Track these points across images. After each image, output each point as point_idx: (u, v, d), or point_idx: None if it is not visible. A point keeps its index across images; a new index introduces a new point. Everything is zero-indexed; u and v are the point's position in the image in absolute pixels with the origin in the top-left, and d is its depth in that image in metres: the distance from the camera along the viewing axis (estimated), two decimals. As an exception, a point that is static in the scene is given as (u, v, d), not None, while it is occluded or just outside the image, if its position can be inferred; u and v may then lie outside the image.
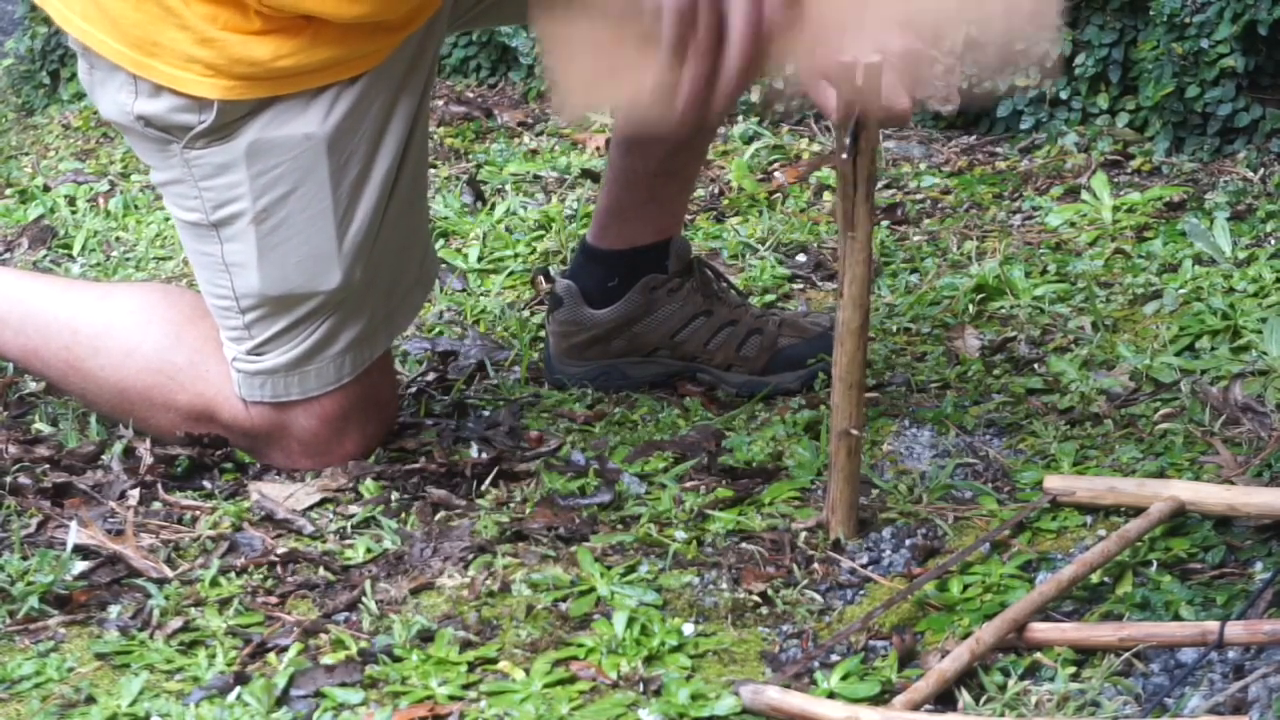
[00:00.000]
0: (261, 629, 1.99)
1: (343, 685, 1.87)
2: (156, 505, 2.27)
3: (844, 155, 2.00)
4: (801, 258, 3.07)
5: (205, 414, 2.35)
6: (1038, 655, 1.85)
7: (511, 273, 3.08)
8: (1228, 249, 2.88)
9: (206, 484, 2.33)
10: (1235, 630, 1.81)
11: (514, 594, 2.04)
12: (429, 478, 2.30)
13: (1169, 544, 2.05)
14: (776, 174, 3.50)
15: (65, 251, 3.34)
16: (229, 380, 2.34)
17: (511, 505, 2.24)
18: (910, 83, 2.03)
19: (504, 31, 4.14)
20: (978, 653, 1.82)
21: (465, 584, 2.05)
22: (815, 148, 3.63)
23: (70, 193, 3.67)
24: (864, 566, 2.08)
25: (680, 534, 2.15)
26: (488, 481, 2.29)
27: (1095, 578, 1.99)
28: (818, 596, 2.02)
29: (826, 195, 3.37)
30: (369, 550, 2.14)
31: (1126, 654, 1.83)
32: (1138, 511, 2.08)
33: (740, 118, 3.75)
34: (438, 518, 2.22)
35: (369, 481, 2.30)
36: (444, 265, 3.09)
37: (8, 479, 2.28)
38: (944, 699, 1.79)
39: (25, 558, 2.10)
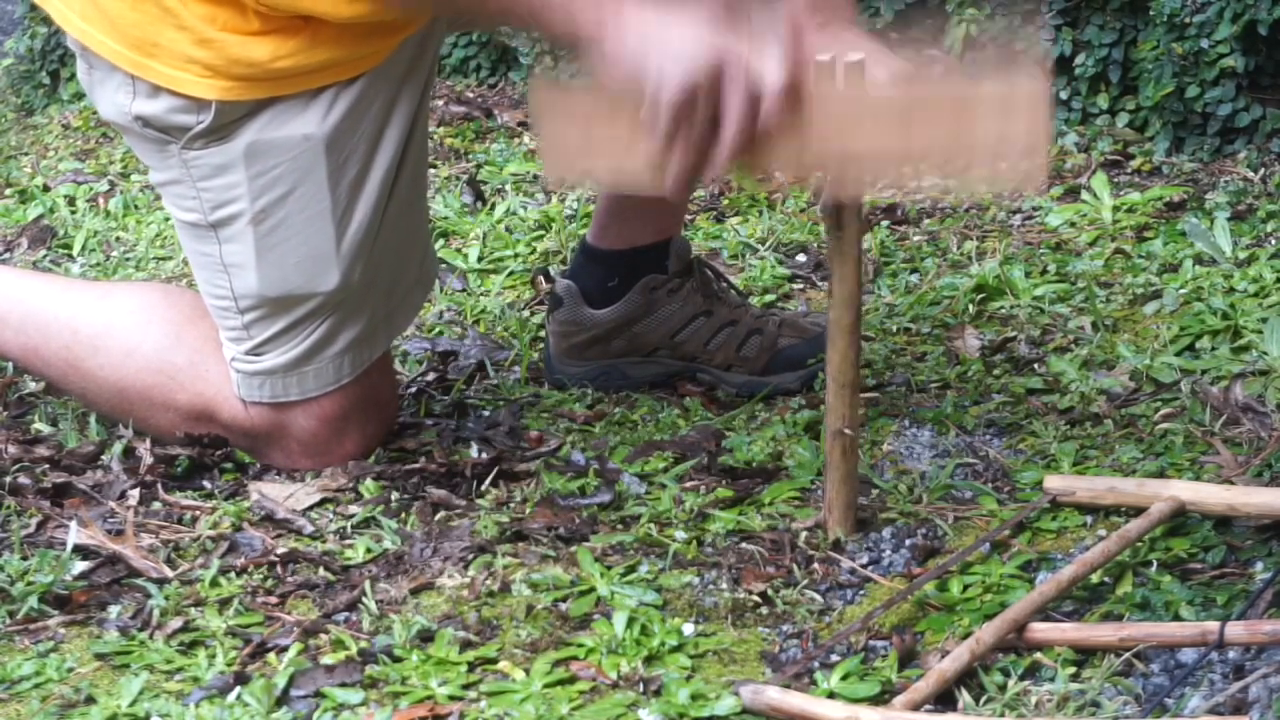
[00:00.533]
0: (261, 629, 1.99)
1: (343, 685, 1.87)
2: (156, 505, 2.27)
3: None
4: (801, 258, 3.07)
5: (205, 414, 2.35)
6: (1038, 655, 1.85)
7: (511, 273, 3.08)
8: (1228, 249, 2.88)
9: (206, 484, 2.33)
10: (1235, 630, 1.81)
11: (514, 594, 2.04)
12: (429, 478, 2.30)
13: (1169, 544, 2.05)
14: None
15: (65, 251, 3.34)
16: (229, 380, 2.34)
17: (511, 505, 2.24)
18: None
19: (504, 31, 4.14)
20: (978, 653, 1.82)
21: (465, 584, 2.05)
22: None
23: (70, 193, 3.67)
24: (864, 566, 2.08)
25: (680, 534, 2.15)
26: (488, 481, 2.29)
27: (1095, 578, 1.99)
28: (818, 596, 2.02)
29: (826, 195, 3.36)
30: (369, 550, 2.14)
31: (1126, 654, 1.83)
32: (1138, 511, 2.08)
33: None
34: (438, 518, 2.22)
35: (369, 481, 2.30)
36: (444, 265, 3.09)
37: (8, 479, 2.28)
38: (944, 699, 1.79)
39: (25, 558, 2.10)
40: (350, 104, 2.24)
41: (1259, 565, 2.00)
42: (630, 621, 1.94)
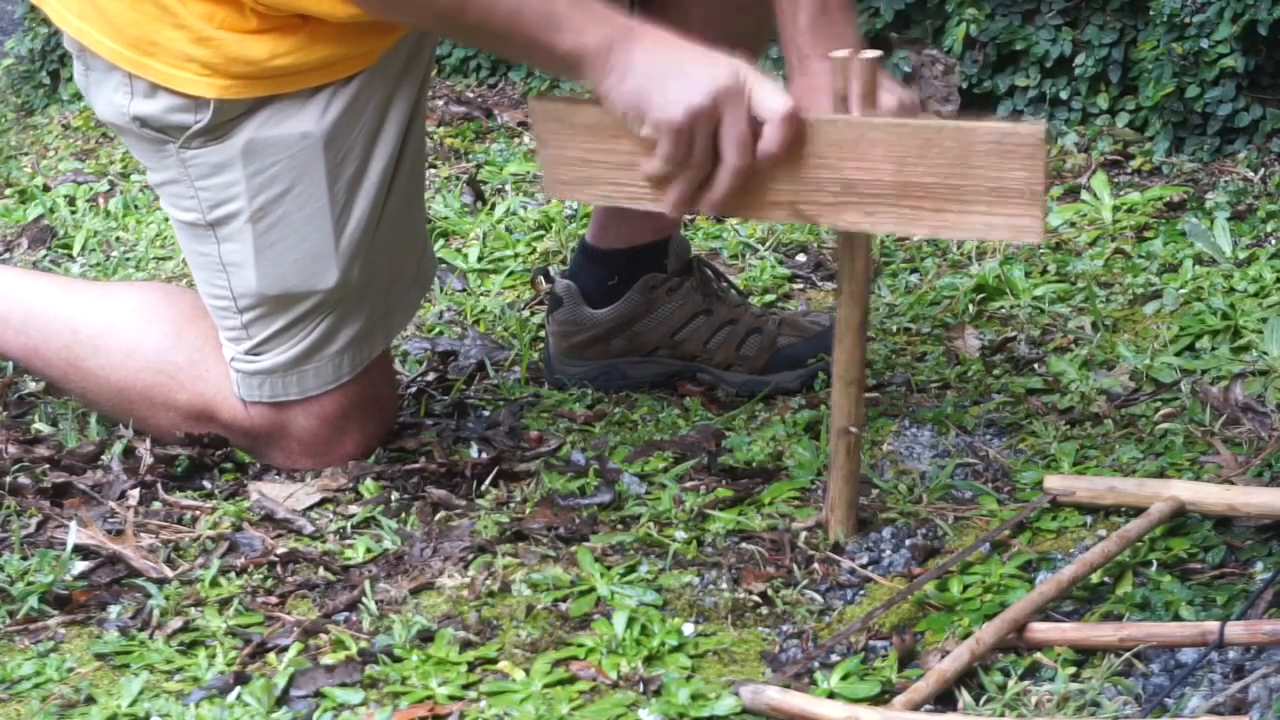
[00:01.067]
0: (261, 629, 1.99)
1: (343, 685, 1.87)
2: (156, 505, 2.27)
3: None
4: (801, 258, 3.07)
5: (205, 413, 2.35)
6: (1038, 655, 1.85)
7: (511, 273, 3.08)
8: (1228, 249, 2.88)
9: (206, 484, 2.33)
10: (1235, 630, 1.81)
11: (514, 594, 2.04)
12: (429, 478, 2.30)
13: (1169, 544, 2.05)
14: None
15: (65, 251, 3.34)
16: (229, 380, 2.34)
17: (511, 505, 2.24)
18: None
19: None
20: (978, 653, 1.82)
21: (465, 584, 2.05)
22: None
23: (70, 193, 3.67)
24: (864, 566, 2.08)
25: (680, 534, 2.15)
26: (488, 481, 2.29)
27: (1095, 578, 1.99)
28: (818, 596, 2.02)
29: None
30: (369, 550, 2.14)
31: (1126, 654, 1.83)
32: (1138, 511, 2.08)
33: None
34: (438, 518, 2.22)
35: (369, 481, 2.30)
36: (444, 265, 3.10)
37: (8, 479, 2.28)
38: (944, 699, 1.79)
39: (25, 558, 2.10)
40: (347, 102, 2.24)
41: (1259, 565, 2.00)
42: (630, 621, 1.94)
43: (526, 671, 1.88)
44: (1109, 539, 2.00)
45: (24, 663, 1.93)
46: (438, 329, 2.84)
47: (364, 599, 2.03)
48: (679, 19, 2.35)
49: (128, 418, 2.40)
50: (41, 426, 2.46)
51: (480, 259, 3.14)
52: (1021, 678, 1.82)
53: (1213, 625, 1.82)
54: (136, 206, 3.56)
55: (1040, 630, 1.87)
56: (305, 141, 2.23)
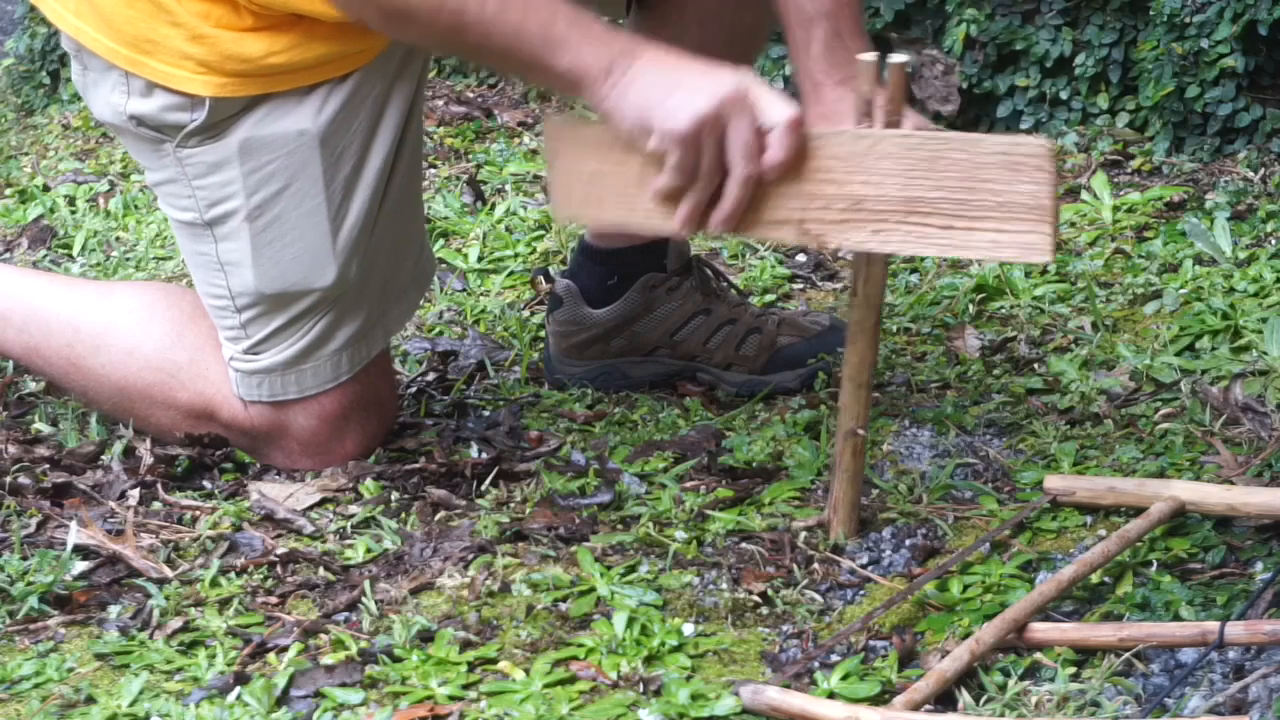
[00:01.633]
0: (261, 629, 1.99)
1: (343, 685, 1.87)
2: (156, 505, 2.27)
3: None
4: (801, 258, 3.07)
5: (205, 412, 2.35)
6: (1038, 655, 1.85)
7: (511, 273, 3.08)
8: (1228, 249, 2.88)
9: (206, 484, 2.33)
10: (1235, 630, 1.81)
11: (514, 594, 2.04)
12: (429, 478, 2.30)
13: (1169, 544, 2.05)
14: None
15: (65, 251, 3.34)
16: (229, 379, 2.34)
17: (511, 505, 2.24)
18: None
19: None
20: (978, 653, 1.82)
21: (465, 584, 2.05)
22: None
23: (70, 193, 3.67)
24: (864, 566, 2.08)
25: (680, 534, 2.15)
26: (488, 481, 2.29)
27: (1095, 578, 1.99)
28: (818, 596, 2.02)
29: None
30: (369, 550, 2.14)
31: (1126, 654, 1.83)
32: (1138, 511, 2.08)
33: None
34: (438, 518, 2.22)
35: (369, 481, 2.30)
36: (444, 265, 3.10)
37: (8, 479, 2.28)
38: (944, 699, 1.79)
39: (25, 558, 2.10)
40: (344, 100, 2.24)
41: (1259, 565, 2.00)
42: (630, 621, 1.94)
43: (526, 671, 1.88)
44: (1109, 539, 2.00)
45: (24, 663, 1.93)
46: (438, 329, 2.84)
47: (364, 599, 2.03)
48: (677, 18, 2.36)
49: (128, 417, 2.40)
50: (41, 426, 2.46)
51: (480, 259, 3.14)
52: (1021, 678, 1.82)
53: (1213, 625, 1.82)
54: (136, 206, 3.56)
55: (1040, 630, 1.87)
56: (301, 139, 2.23)
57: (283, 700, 1.86)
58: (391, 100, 2.28)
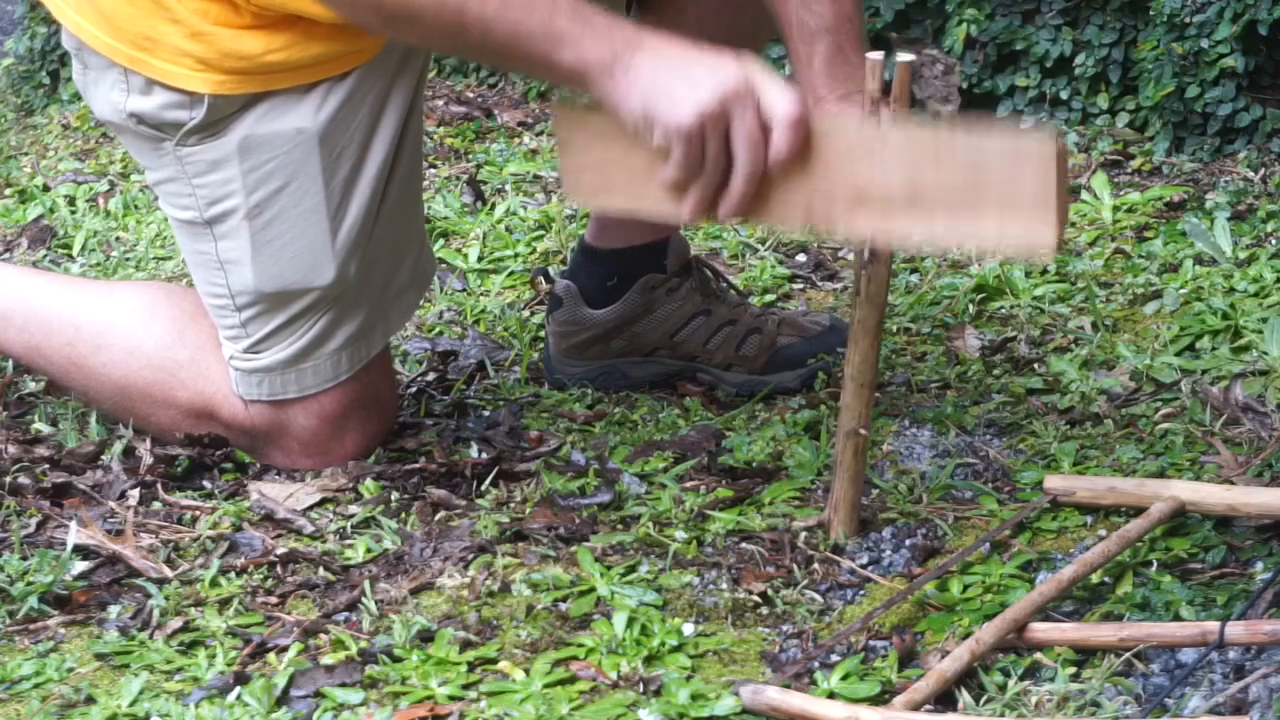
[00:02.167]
0: (261, 629, 1.99)
1: (343, 685, 1.87)
2: (156, 505, 2.27)
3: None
4: (801, 258, 3.07)
5: (206, 411, 2.35)
6: (1038, 655, 1.85)
7: (511, 273, 3.08)
8: (1228, 249, 2.88)
9: (206, 484, 2.33)
10: (1235, 630, 1.81)
11: (514, 594, 2.04)
12: (429, 478, 2.30)
13: (1169, 544, 2.05)
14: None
15: (65, 251, 3.34)
16: (230, 378, 2.34)
17: (511, 505, 2.24)
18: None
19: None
20: (978, 653, 1.82)
21: (465, 584, 2.05)
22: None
23: (70, 193, 3.67)
24: (864, 566, 2.08)
25: (680, 534, 2.15)
26: (488, 481, 2.29)
27: (1095, 578, 1.99)
28: (818, 596, 2.02)
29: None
30: (369, 550, 2.14)
31: (1127, 654, 1.83)
32: (1138, 511, 2.08)
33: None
34: (438, 518, 2.22)
35: (369, 481, 2.30)
36: (444, 265, 3.09)
37: (8, 479, 2.28)
38: (944, 699, 1.79)
39: (25, 558, 2.10)
40: (343, 99, 2.24)
41: (1259, 565, 2.00)
42: (630, 621, 1.94)
43: (526, 671, 1.88)
44: (1109, 539, 2.00)
45: (24, 663, 1.93)
46: (438, 329, 2.84)
47: (364, 599, 2.03)
48: (676, 18, 2.35)
49: (128, 416, 2.40)
50: (41, 426, 2.46)
51: (480, 259, 3.14)
52: (1021, 678, 1.82)
53: (1213, 625, 1.82)
54: (136, 206, 3.56)
55: (1040, 630, 1.87)
56: (300, 137, 2.23)
57: (283, 700, 1.86)
58: (391, 99, 2.28)
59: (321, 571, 2.11)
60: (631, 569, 2.07)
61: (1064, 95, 3.48)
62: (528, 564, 2.10)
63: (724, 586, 2.03)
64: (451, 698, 1.85)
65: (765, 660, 1.91)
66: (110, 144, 4.03)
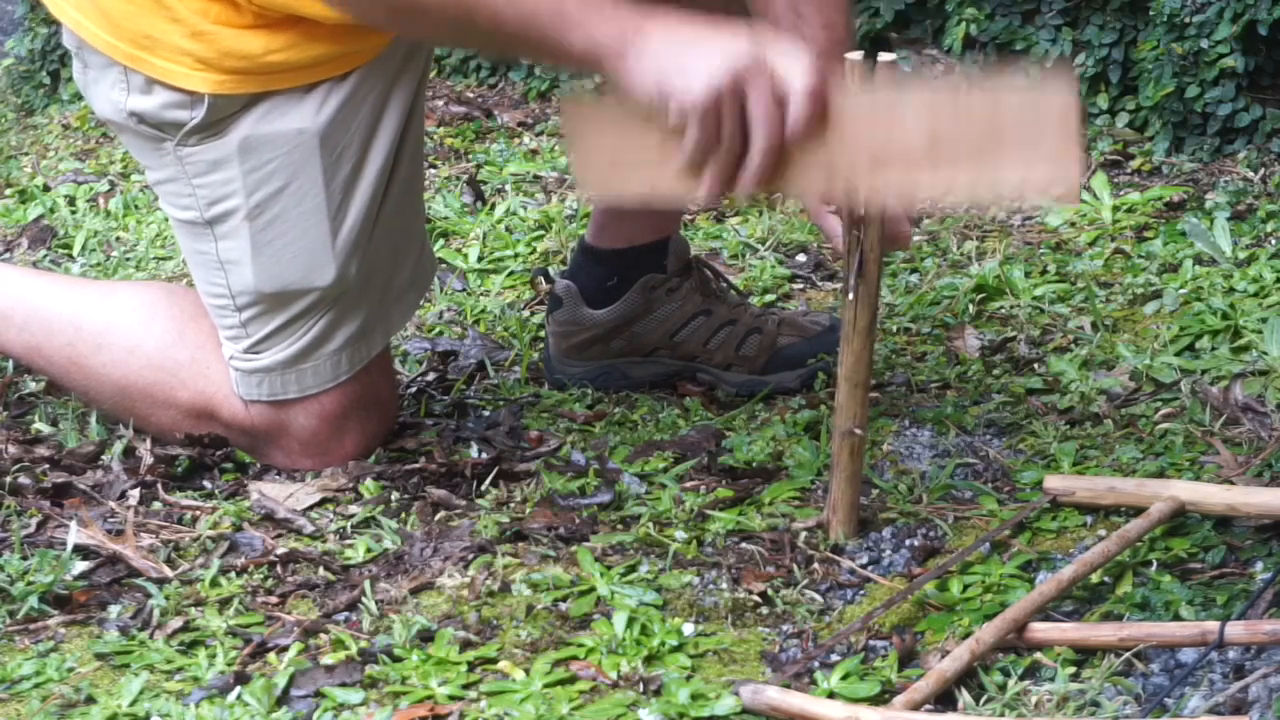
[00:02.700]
0: (261, 629, 1.99)
1: (343, 685, 1.87)
2: (156, 505, 2.27)
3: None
4: (801, 258, 3.07)
5: (206, 411, 2.35)
6: (1038, 655, 1.85)
7: (511, 273, 3.08)
8: (1228, 249, 2.88)
9: (206, 484, 2.33)
10: (1235, 630, 1.81)
11: (514, 594, 2.04)
12: (429, 478, 2.30)
13: (1169, 544, 2.05)
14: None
15: (65, 251, 3.34)
16: (230, 378, 2.34)
17: (511, 505, 2.24)
18: (911, 210, 2.18)
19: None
20: (978, 653, 1.82)
21: (465, 584, 2.05)
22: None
23: (70, 193, 3.67)
24: (864, 566, 2.08)
25: (680, 534, 2.15)
26: (488, 481, 2.29)
27: (1095, 578, 1.99)
28: (818, 596, 2.02)
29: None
30: (369, 550, 2.14)
31: (1126, 654, 1.83)
32: (1138, 511, 2.08)
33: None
34: (438, 518, 2.22)
35: (369, 481, 2.30)
36: (444, 265, 3.10)
37: (8, 479, 2.28)
38: (944, 699, 1.79)
39: (25, 558, 2.10)
40: (344, 98, 2.24)
41: (1259, 565, 2.00)
42: (630, 621, 1.94)
43: (526, 671, 1.88)
44: (1109, 539, 2.00)
45: (24, 663, 1.93)
46: (438, 329, 2.84)
47: (364, 599, 2.03)
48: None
49: (129, 416, 2.40)
50: (41, 426, 2.46)
51: (480, 259, 3.14)
52: (1021, 678, 1.82)
53: (1213, 625, 1.82)
54: (136, 206, 3.56)
55: (1040, 630, 1.87)
56: (301, 138, 2.23)
57: (283, 700, 1.86)
58: (392, 100, 2.27)
59: (321, 571, 2.11)
60: (631, 569, 2.07)
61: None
62: (528, 564, 2.10)
63: (724, 586, 2.03)
64: (451, 698, 1.85)
65: (765, 660, 1.91)
66: (110, 144, 4.03)
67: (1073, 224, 3.12)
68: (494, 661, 1.91)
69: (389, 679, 1.88)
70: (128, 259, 3.27)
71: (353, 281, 2.30)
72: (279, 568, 2.12)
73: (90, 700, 1.88)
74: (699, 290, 2.57)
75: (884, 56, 1.97)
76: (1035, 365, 2.57)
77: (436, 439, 2.40)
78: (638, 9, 2.03)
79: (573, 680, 1.87)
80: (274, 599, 2.06)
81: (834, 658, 1.89)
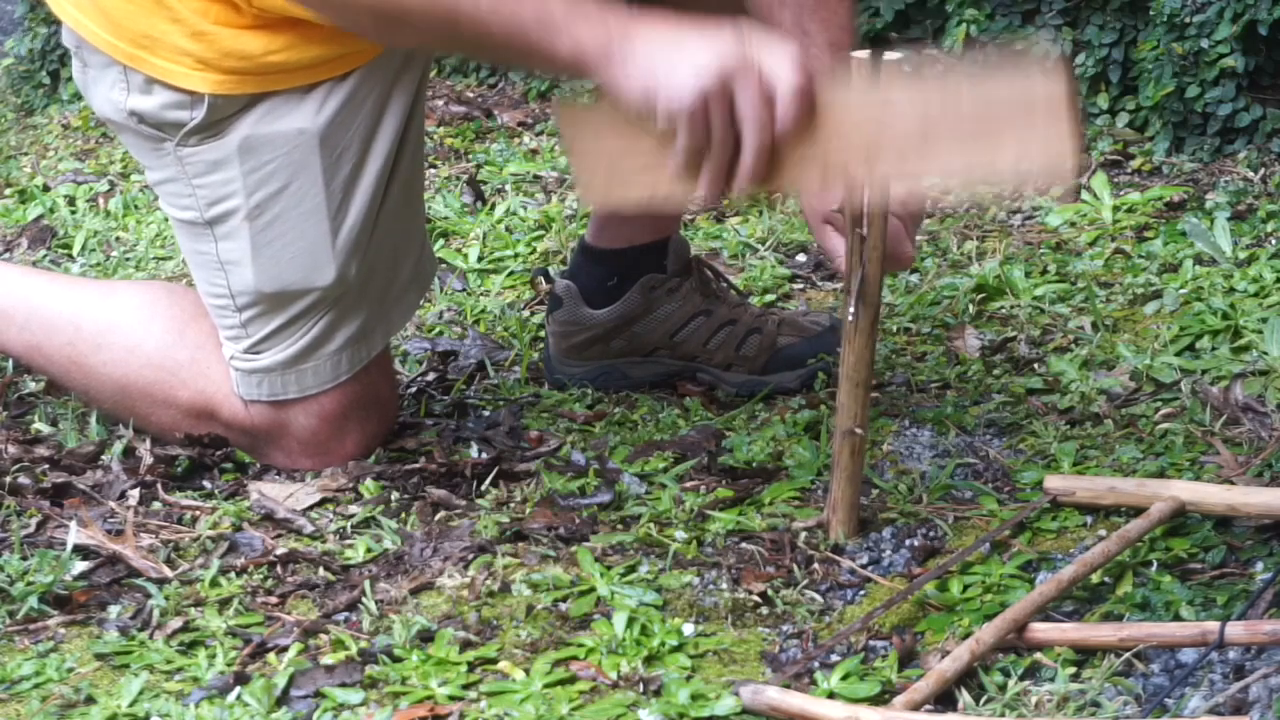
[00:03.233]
0: (261, 629, 1.99)
1: (343, 685, 1.87)
2: (156, 505, 2.27)
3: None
4: (801, 258, 3.07)
5: (206, 411, 2.35)
6: (1038, 655, 1.85)
7: (511, 273, 3.08)
8: (1228, 249, 2.88)
9: (206, 484, 2.33)
10: (1235, 630, 1.81)
11: (514, 594, 2.04)
12: (429, 478, 2.30)
13: (1169, 544, 2.05)
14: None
15: (65, 251, 3.34)
16: (230, 378, 2.34)
17: (511, 505, 2.24)
18: (914, 230, 2.16)
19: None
20: (978, 653, 1.82)
21: (465, 584, 2.05)
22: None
23: (70, 193, 3.67)
24: (864, 566, 2.08)
25: (680, 534, 2.15)
26: (488, 481, 2.29)
27: (1095, 578, 1.99)
28: (818, 596, 2.02)
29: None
30: (369, 550, 2.14)
31: (1127, 654, 1.83)
32: (1138, 511, 2.08)
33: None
34: (438, 518, 2.22)
35: (369, 481, 2.30)
36: (444, 265, 3.10)
37: (8, 479, 2.28)
38: (944, 699, 1.79)
39: (25, 558, 2.10)
40: (344, 99, 2.24)
41: (1259, 565, 2.00)
42: (630, 621, 1.94)
43: (526, 671, 1.88)
44: (1109, 539, 2.00)
45: (24, 663, 1.93)
46: (438, 329, 2.84)
47: (364, 599, 2.03)
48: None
49: (129, 415, 2.40)
50: (41, 426, 2.46)
51: (480, 259, 3.14)
52: (1021, 678, 1.82)
53: (1213, 625, 1.82)
54: (136, 206, 3.57)
55: (1040, 630, 1.87)
56: (301, 138, 2.23)
57: (283, 700, 1.86)
58: (392, 100, 2.27)
59: (321, 571, 2.11)
60: (631, 569, 2.07)
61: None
62: (528, 564, 2.10)
63: (724, 586, 2.03)
64: (451, 698, 1.85)
65: (765, 660, 1.91)
66: (110, 144, 4.03)
67: (1073, 224, 3.12)
68: (494, 662, 1.91)
69: (389, 679, 1.88)
70: (127, 259, 3.27)
71: (353, 282, 2.30)
72: (279, 568, 2.12)
73: (90, 700, 1.88)
74: (699, 290, 2.57)
75: (889, 55, 1.97)
76: (1035, 365, 2.57)
77: (436, 439, 2.40)
78: (625, 13, 2.02)
79: (573, 680, 1.87)
80: (274, 599, 2.06)
81: (834, 658, 1.89)
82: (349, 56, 2.23)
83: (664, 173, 2.03)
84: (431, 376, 2.61)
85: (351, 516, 2.23)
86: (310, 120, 2.23)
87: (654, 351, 2.58)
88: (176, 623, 2.00)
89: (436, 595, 2.05)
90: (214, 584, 2.08)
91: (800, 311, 2.67)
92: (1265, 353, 2.50)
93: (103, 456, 2.37)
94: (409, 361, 2.68)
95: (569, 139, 2.14)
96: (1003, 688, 1.80)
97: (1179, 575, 1.99)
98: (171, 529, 2.21)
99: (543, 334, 2.70)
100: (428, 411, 2.51)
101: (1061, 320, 2.71)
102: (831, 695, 1.81)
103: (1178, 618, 1.90)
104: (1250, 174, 3.23)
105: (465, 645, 1.94)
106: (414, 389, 2.57)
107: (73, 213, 3.56)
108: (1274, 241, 2.93)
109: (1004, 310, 2.77)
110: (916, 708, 1.76)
